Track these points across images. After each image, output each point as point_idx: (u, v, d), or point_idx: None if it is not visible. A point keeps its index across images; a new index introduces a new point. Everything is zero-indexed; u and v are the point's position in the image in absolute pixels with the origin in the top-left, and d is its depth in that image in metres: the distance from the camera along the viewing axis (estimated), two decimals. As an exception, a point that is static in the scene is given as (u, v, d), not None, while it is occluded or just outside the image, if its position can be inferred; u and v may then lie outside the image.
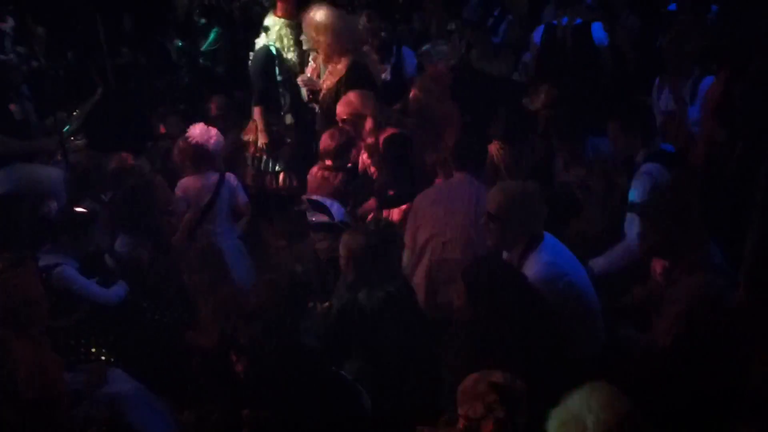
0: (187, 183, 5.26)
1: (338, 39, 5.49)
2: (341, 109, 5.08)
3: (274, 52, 5.89)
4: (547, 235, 3.80)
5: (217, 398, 3.44)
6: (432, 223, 4.41)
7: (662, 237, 3.55)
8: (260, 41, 6.02)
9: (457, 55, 6.51)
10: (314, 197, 4.95)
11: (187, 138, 5.25)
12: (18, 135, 5.56)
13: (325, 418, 2.92)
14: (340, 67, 5.52)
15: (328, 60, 5.61)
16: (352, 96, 5.07)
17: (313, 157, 5.55)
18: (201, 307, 4.35)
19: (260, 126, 5.92)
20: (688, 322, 3.47)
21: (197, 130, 5.26)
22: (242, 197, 5.37)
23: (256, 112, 5.96)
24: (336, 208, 4.91)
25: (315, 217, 4.90)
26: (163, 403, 4.10)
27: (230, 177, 5.34)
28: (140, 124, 6.81)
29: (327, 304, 4.19)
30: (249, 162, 6.10)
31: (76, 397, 3.89)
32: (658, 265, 3.75)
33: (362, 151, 5.16)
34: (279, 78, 5.89)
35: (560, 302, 3.52)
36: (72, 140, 5.92)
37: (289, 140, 6.01)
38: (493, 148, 5.03)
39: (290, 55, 5.97)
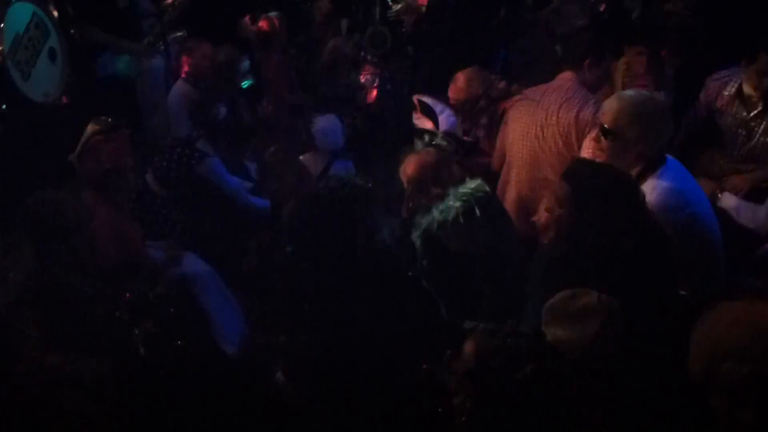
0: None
1: None
2: (452, 96, 4.58)
3: None
4: (671, 159, 3.32)
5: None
6: (520, 132, 4.01)
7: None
8: None
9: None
10: (426, 99, 4.58)
11: (311, 128, 5.18)
12: (121, 21, 5.77)
13: (396, 315, 2.64)
14: None
15: None
16: (460, 80, 4.53)
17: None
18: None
19: None
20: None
21: (323, 123, 5.16)
22: None
23: None
24: (445, 115, 4.58)
25: (419, 121, 4.58)
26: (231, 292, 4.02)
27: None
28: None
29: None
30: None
31: (153, 272, 3.84)
32: None
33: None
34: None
35: (680, 235, 3.05)
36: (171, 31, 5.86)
37: None
38: (622, 62, 4.46)
39: None
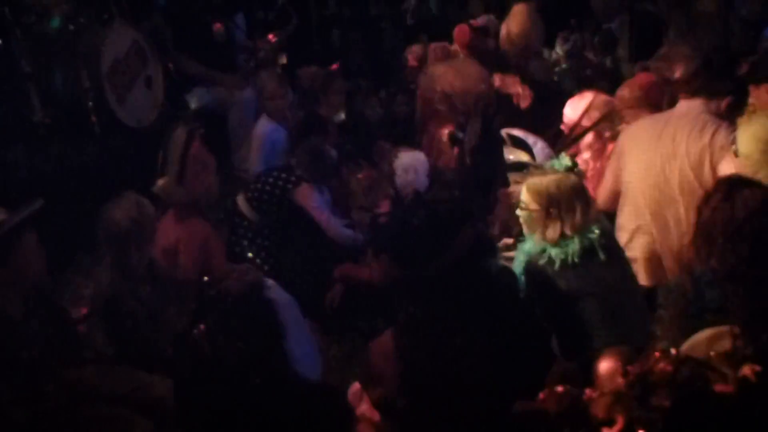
0: None
1: None
2: (587, 109, 3.94)
3: None
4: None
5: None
6: (641, 167, 3.47)
7: None
8: None
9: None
10: (515, 132, 4.29)
11: (393, 162, 4.70)
12: (217, 54, 5.83)
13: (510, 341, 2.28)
14: None
15: None
16: (600, 98, 3.94)
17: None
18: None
19: None
20: None
21: (406, 159, 4.65)
22: None
23: None
24: (540, 147, 4.22)
25: (513, 155, 4.26)
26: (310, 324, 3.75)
27: None
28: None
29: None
30: None
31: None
32: None
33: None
34: None
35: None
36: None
37: None
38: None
39: None
